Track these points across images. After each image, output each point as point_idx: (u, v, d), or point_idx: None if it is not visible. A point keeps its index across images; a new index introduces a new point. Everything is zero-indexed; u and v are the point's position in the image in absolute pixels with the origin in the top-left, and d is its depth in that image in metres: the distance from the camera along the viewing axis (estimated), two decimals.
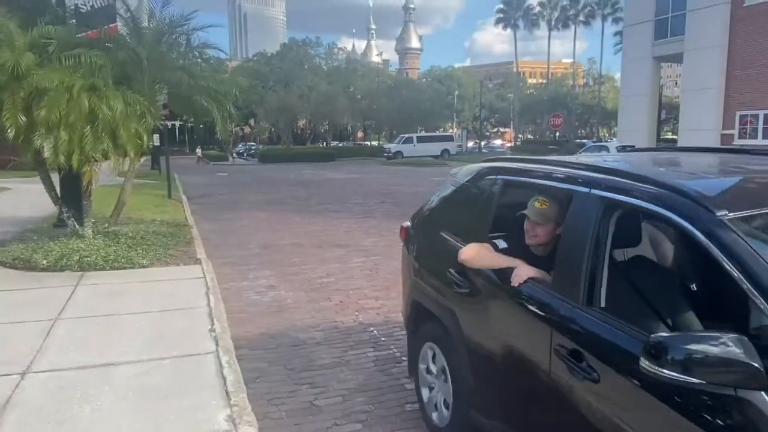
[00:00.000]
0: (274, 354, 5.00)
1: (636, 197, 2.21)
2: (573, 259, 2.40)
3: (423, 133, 51.56)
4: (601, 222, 2.32)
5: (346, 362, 4.81)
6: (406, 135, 48.87)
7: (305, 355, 4.98)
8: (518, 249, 2.90)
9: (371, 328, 5.63)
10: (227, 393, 3.89)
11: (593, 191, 2.41)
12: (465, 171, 3.76)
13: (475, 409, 3.05)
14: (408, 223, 4.27)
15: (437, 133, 54.12)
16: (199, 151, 46.79)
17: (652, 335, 1.81)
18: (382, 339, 5.34)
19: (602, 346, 2.16)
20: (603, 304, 2.25)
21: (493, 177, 3.27)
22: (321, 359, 4.87)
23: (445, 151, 45.85)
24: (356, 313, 6.12)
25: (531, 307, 2.57)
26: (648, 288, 2.39)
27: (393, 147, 46.70)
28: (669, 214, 2.04)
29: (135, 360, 4.46)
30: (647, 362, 1.76)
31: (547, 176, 2.86)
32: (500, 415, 2.89)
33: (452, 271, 3.24)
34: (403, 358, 4.88)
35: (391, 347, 5.14)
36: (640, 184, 2.23)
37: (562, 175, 2.74)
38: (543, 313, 2.49)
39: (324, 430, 3.71)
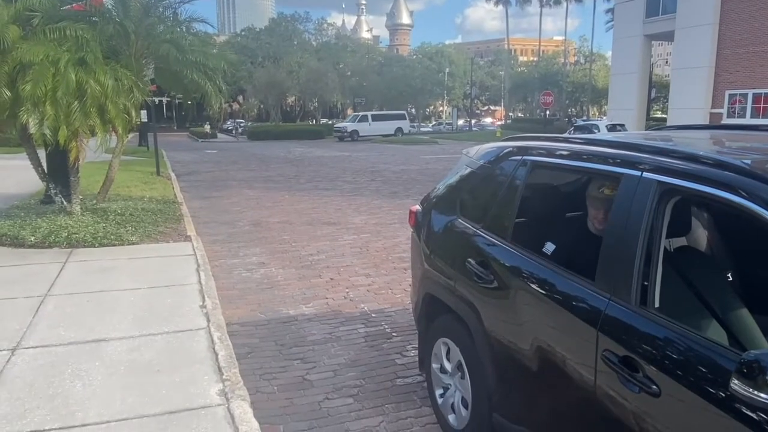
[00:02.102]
0: (265, 330, 5.02)
1: (700, 182, 1.92)
2: (623, 252, 2.12)
3: (377, 111, 48.70)
4: (655, 210, 2.05)
5: (336, 338, 4.84)
6: (361, 113, 46.00)
7: (296, 331, 5.01)
8: (567, 247, 2.68)
9: (362, 305, 5.66)
10: (219, 368, 3.91)
11: (646, 175, 2.13)
12: (482, 151, 3.47)
13: (498, 412, 2.79)
14: (418, 207, 3.95)
15: (391, 111, 50.51)
16: (207, 127, 47.64)
17: (746, 352, 1.58)
18: (373, 315, 5.38)
19: (665, 356, 1.89)
20: (657, 304, 2.01)
21: (519, 158, 2.99)
22: (312, 335, 4.91)
23: (399, 129, 43.49)
24: (347, 290, 6.14)
25: (573, 306, 2.29)
26: (699, 283, 2.22)
27: (349, 126, 42.49)
28: (746, 202, 1.77)
29: (126, 336, 4.47)
30: (739, 383, 1.53)
31: (587, 157, 2.55)
32: (530, 421, 2.63)
33: (472, 261, 3.00)
34: (394, 333, 4.94)
35: (382, 323, 5.18)
36: (707, 168, 1.94)
37: (605, 157, 2.44)
38: (588, 314, 2.20)
39: (316, 404, 3.75)
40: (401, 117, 46.87)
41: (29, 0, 7.87)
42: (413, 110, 72.31)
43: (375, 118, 44.11)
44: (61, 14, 8.13)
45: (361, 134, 41.26)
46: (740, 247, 2.74)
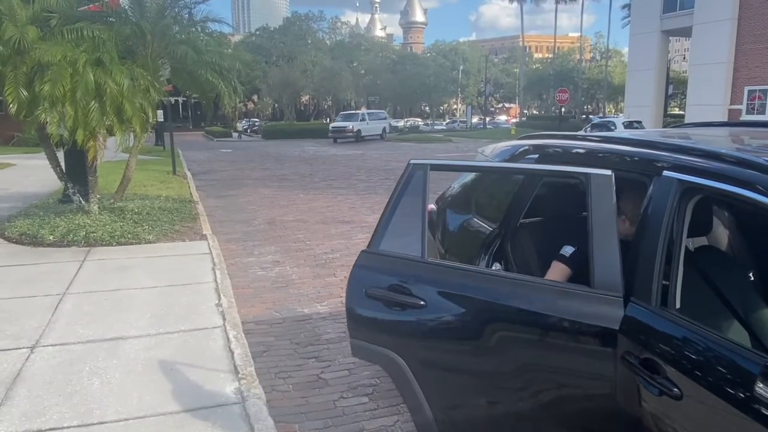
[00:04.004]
0: (281, 328, 5.04)
1: (722, 180, 1.88)
2: (643, 252, 2.06)
3: (367, 110, 44.20)
4: (677, 209, 2.00)
5: None
6: (358, 111, 41.72)
7: (311, 329, 5.02)
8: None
9: None
10: (235, 366, 3.93)
11: (666, 173, 2.08)
12: (498, 150, 3.43)
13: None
14: (433, 206, 3.92)
15: (376, 111, 46.18)
16: (239, 125, 49.31)
17: None
18: None
19: (687, 358, 1.85)
20: (678, 305, 1.96)
21: (535, 157, 2.96)
22: (327, 334, 4.91)
23: (383, 129, 39.39)
24: None
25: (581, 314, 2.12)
26: (721, 283, 2.17)
27: (354, 125, 36.36)
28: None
29: (143, 334, 4.51)
30: (764, 386, 1.51)
31: (605, 157, 2.46)
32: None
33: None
34: None
35: None
36: (729, 165, 1.91)
37: (623, 155, 2.37)
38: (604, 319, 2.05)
39: (331, 403, 3.75)
40: (385, 117, 43.59)
41: (47, 1, 7.95)
42: (427, 108, 72.15)
43: (371, 117, 39.18)
44: (78, 15, 8.19)
45: (363, 134, 36.68)
46: (762, 246, 2.68)
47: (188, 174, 16.62)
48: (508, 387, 2.29)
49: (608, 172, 2.13)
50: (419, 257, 2.41)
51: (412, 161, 2.53)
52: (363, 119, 37.75)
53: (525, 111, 75.54)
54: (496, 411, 2.37)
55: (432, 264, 2.49)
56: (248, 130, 51.84)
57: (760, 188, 1.76)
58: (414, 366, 2.38)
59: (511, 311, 2.20)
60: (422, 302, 2.33)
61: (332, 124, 37.73)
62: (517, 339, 2.25)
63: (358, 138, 35.77)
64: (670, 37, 34.04)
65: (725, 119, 23.96)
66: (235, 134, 47.25)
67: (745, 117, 24.98)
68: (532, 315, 2.16)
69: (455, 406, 2.39)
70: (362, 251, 2.55)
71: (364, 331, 2.51)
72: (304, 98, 67.32)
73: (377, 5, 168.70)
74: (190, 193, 12.36)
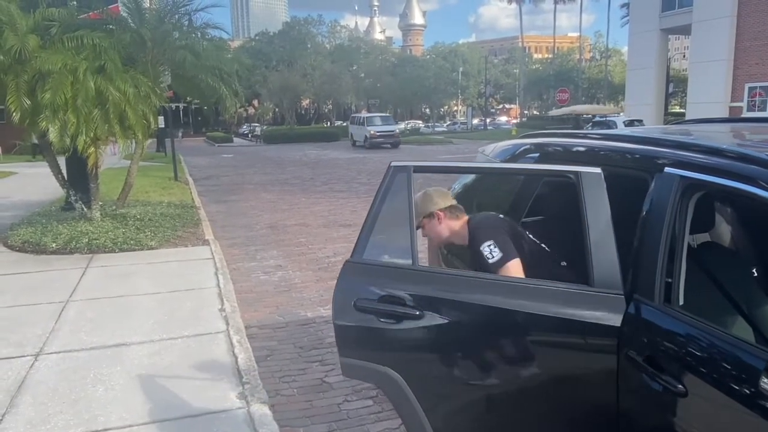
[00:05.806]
0: (284, 333, 5.03)
1: (723, 176, 1.87)
2: (645, 249, 2.03)
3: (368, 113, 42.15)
4: (678, 206, 1.98)
5: None
6: (378, 114, 39.93)
7: (314, 333, 5.01)
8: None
9: None
10: (239, 371, 3.93)
11: (668, 170, 2.06)
12: (498, 149, 3.41)
13: None
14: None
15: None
16: (257, 130, 49.84)
17: None
18: None
19: (691, 354, 1.83)
20: (682, 302, 1.94)
21: (536, 156, 2.94)
22: (330, 337, 4.90)
23: None
24: None
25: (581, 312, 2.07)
26: (724, 279, 2.16)
27: (395, 128, 34.55)
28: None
29: (146, 340, 4.51)
30: None
31: (606, 155, 2.45)
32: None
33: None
34: None
35: None
36: (730, 161, 1.90)
37: (624, 152, 2.35)
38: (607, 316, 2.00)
39: (335, 406, 3.74)
40: None
41: (47, 10, 7.99)
42: (428, 110, 72.22)
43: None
44: (79, 23, 8.24)
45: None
46: (765, 241, 2.67)
47: (190, 179, 16.64)
48: (512, 394, 2.23)
49: (598, 169, 2.11)
50: (409, 264, 2.29)
51: (393, 163, 2.39)
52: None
53: (525, 111, 75.52)
54: (500, 423, 2.31)
55: (424, 271, 2.39)
56: (249, 135, 51.96)
57: (763, 183, 1.75)
58: (412, 381, 2.24)
59: (511, 315, 2.14)
60: (417, 312, 2.20)
61: (373, 128, 33.18)
62: (519, 343, 2.22)
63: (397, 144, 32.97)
64: (670, 36, 34.05)
65: (726, 116, 23.94)
66: (237, 140, 47.17)
67: (746, 114, 24.96)
68: (532, 318, 2.11)
69: (458, 421, 2.32)
70: (346, 261, 2.39)
71: (356, 348, 2.34)
72: (305, 102, 67.45)
73: (376, 8, 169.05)
74: (192, 199, 12.38)
